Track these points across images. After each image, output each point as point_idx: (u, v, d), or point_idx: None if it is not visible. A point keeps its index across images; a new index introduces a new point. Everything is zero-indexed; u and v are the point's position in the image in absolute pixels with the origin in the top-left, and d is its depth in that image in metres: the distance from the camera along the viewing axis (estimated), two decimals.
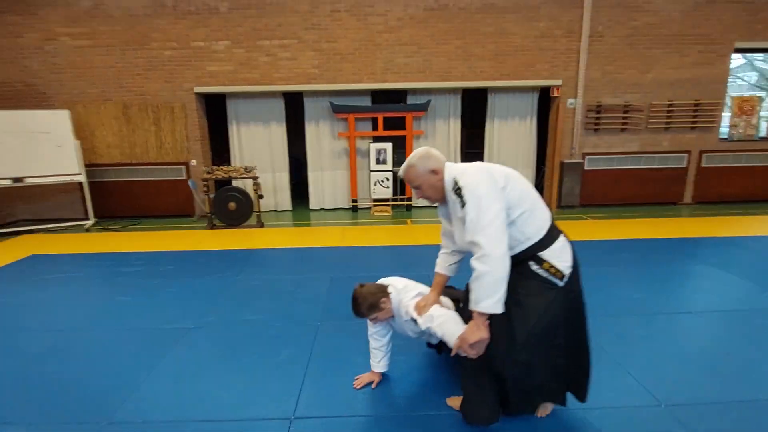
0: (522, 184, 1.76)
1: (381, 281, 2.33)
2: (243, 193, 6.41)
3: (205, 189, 6.38)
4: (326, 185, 7.72)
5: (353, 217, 7.22)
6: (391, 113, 7.19)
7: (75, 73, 6.87)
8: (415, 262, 4.62)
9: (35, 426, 2.15)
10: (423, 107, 7.16)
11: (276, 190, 7.70)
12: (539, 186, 8.34)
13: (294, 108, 7.89)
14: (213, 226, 6.48)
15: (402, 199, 7.61)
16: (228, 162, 7.64)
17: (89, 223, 6.82)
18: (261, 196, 6.48)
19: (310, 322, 3.24)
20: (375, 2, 6.67)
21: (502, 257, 1.61)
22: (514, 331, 1.75)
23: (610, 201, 7.58)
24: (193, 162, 7.17)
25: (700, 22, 6.87)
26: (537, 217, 1.75)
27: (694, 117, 7.25)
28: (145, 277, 4.32)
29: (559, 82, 7.10)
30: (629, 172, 7.46)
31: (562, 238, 1.82)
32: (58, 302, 3.76)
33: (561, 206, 7.49)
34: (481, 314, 1.67)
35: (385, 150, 7.30)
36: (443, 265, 2.21)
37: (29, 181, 6.42)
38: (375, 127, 7.38)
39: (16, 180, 6.32)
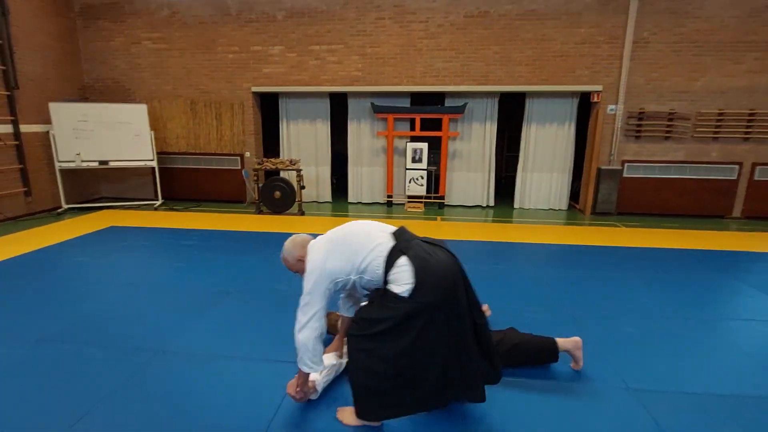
0: (347, 248, 2.02)
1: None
2: (288, 183, 7.06)
3: (255, 178, 7.11)
4: (364, 180, 8.22)
5: (387, 212, 7.65)
6: (428, 114, 7.54)
7: (153, 72, 7.89)
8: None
9: (107, 349, 2.79)
10: (459, 110, 7.44)
11: (318, 183, 8.32)
12: (575, 192, 8.32)
13: (338, 107, 8.46)
14: (260, 212, 7.19)
15: (435, 197, 7.94)
16: (277, 155, 8.37)
17: (158, 203, 7.81)
18: (303, 187, 7.10)
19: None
20: (417, 9, 7.06)
21: (304, 340, 1.96)
22: (374, 353, 1.89)
23: (649, 210, 7.41)
24: (247, 154, 7.96)
25: (757, 29, 6.56)
26: (373, 267, 1.92)
27: (748, 127, 6.92)
28: (198, 251, 5.03)
29: (599, 87, 7.09)
30: (672, 181, 7.26)
31: (401, 262, 1.87)
32: (128, 264, 4.54)
33: (596, 212, 7.45)
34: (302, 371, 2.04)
35: (421, 150, 7.66)
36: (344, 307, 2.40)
37: (112, 164, 7.49)
38: (412, 128, 7.75)
39: (102, 163, 7.41)
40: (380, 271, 1.89)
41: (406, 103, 7.76)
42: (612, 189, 7.33)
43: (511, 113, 10.89)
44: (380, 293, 1.94)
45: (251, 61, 7.61)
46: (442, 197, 7.88)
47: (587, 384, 2.42)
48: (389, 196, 8.01)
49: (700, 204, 7.30)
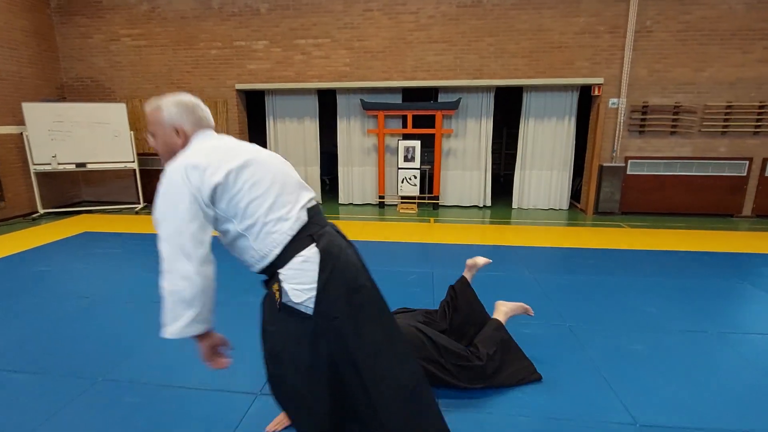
0: (260, 177, 1.35)
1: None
2: None
3: None
4: (355, 181, 7.87)
5: (380, 213, 7.30)
6: (420, 111, 7.18)
7: (133, 70, 7.56)
8: (432, 260, 4.64)
9: (38, 375, 2.44)
10: (453, 106, 7.08)
11: (307, 183, 7.95)
12: (576, 190, 7.94)
13: (327, 105, 8.11)
14: None
15: (429, 198, 7.57)
16: None
17: (139, 206, 7.47)
18: None
19: None
20: (407, 0, 6.70)
21: (190, 274, 1.27)
22: (267, 367, 1.46)
23: (655, 209, 7.04)
24: None
25: (767, 16, 6.18)
26: (275, 229, 1.34)
27: (758, 120, 6.54)
28: None
29: (600, 80, 6.71)
30: (678, 178, 6.88)
31: (308, 251, 1.36)
32: (91, 274, 4.19)
33: (598, 212, 7.07)
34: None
35: (413, 148, 7.31)
36: None
37: (90, 167, 7.16)
38: (404, 125, 7.40)
39: (79, 165, 7.08)
40: (266, 252, 1.35)
41: (397, 99, 7.41)
42: (615, 187, 6.95)
43: (508, 108, 10.53)
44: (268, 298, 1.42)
45: (235, 57, 7.27)
46: (437, 197, 7.52)
47: (588, 419, 2.06)
48: (381, 197, 7.65)
49: (708, 202, 6.92)
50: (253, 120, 8.48)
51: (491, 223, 6.63)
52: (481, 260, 2.82)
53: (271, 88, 7.34)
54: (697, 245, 5.19)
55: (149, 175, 7.81)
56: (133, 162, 7.30)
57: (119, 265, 4.51)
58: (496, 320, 2.48)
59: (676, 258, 4.71)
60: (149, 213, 7.23)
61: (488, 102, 7.27)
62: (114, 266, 4.45)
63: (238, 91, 7.44)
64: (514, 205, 7.63)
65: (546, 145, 7.33)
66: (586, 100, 7.26)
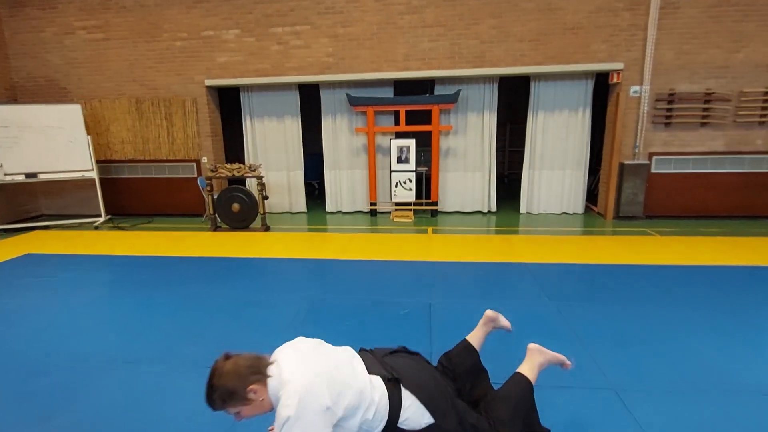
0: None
1: (275, 355, 1.50)
2: (248, 194, 5.88)
3: (208, 188, 5.93)
4: (343, 186, 7.03)
5: (371, 223, 6.46)
6: (414, 106, 6.33)
7: (91, 67, 6.73)
8: (430, 285, 3.79)
9: None
10: (452, 98, 6.23)
11: (291, 191, 7.13)
12: (592, 192, 7.09)
13: (310, 101, 7.27)
14: (216, 228, 6.02)
15: (427, 204, 6.73)
16: (243, 160, 7.19)
17: (100, 220, 6.65)
18: (266, 198, 5.91)
19: None
20: None
21: None
22: None
23: (683, 212, 6.18)
24: (204, 159, 6.78)
25: None
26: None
27: None
28: (118, 289, 3.91)
29: (620, 65, 5.85)
30: (710, 177, 6.02)
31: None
32: (21, 311, 3.36)
33: (620, 217, 6.22)
34: None
35: (407, 147, 6.46)
36: None
37: (43, 177, 6.34)
38: (397, 122, 6.56)
39: (30, 176, 6.25)
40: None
41: (388, 93, 6.56)
42: (638, 188, 6.09)
43: (513, 101, 9.65)
44: None
45: (203, 49, 6.43)
46: (435, 203, 6.68)
47: None
48: (373, 204, 6.81)
49: (744, 203, 6.06)
50: (228, 120, 7.64)
51: (497, 232, 5.79)
52: (503, 321, 2.05)
53: (245, 83, 6.49)
54: (744, 257, 4.34)
55: (112, 185, 6.99)
56: (92, 170, 6.47)
57: (49, 300, 3.67)
58: (525, 378, 1.71)
59: (725, 276, 3.86)
60: (113, 227, 6.40)
61: (491, 93, 6.42)
62: (41, 301, 3.62)
63: (209, 87, 6.60)
64: (523, 210, 6.78)
65: (557, 142, 6.48)
66: (604, 88, 6.41)
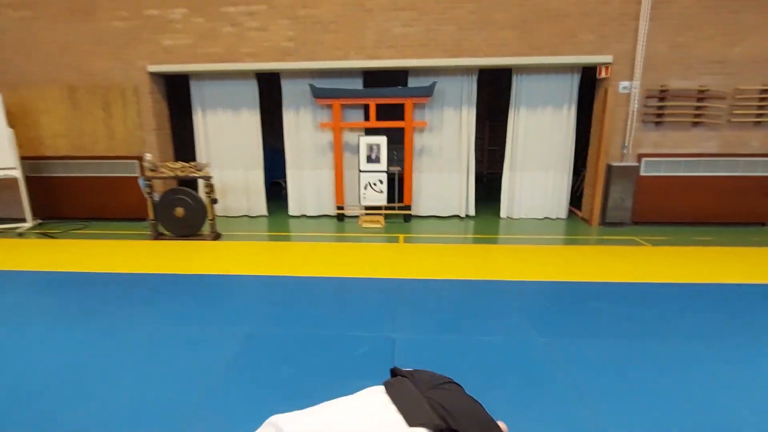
0: None
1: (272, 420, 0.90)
2: (193, 196, 5.14)
3: (149, 190, 5.17)
4: (308, 188, 6.35)
5: (338, 229, 5.81)
6: (386, 99, 5.70)
7: (17, 49, 5.83)
8: (396, 311, 3.16)
9: None
10: (427, 91, 5.62)
11: (249, 192, 6.41)
12: (577, 196, 6.62)
13: (271, 91, 6.55)
14: (158, 236, 5.27)
15: (400, 207, 6.12)
16: (194, 157, 6.42)
17: (27, 225, 5.80)
18: (215, 201, 5.19)
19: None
20: None
21: None
22: None
23: (674, 219, 5.75)
24: (148, 156, 5.97)
25: None
26: None
27: None
28: (12, 315, 3.13)
29: (609, 58, 5.35)
30: (702, 180, 5.60)
31: None
32: None
33: (606, 223, 5.74)
34: None
35: (378, 146, 5.83)
36: None
37: None
38: (366, 117, 5.92)
39: None
40: None
41: (356, 84, 5.90)
42: (626, 192, 5.63)
43: (493, 95, 9.14)
44: None
45: (146, 30, 5.63)
46: (408, 207, 6.07)
47: None
48: (340, 208, 6.16)
49: (738, 208, 5.67)
50: (180, 113, 6.85)
51: (476, 241, 5.22)
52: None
53: (194, 70, 5.73)
54: (748, 273, 3.89)
55: (44, 184, 6.14)
56: (15, 168, 5.61)
57: None
58: None
59: (730, 296, 3.39)
60: (40, 234, 5.57)
61: (470, 86, 5.84)
62: None
63: (153, 74, 5.80)
64: (503, 215, 6.24)
65: (540, 141, 5.96)
66: (591, 83, 5.91)
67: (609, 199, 5.66)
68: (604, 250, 4.73)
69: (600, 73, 5.56)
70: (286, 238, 5.37)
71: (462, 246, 4.91)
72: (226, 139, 6.25)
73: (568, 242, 5.13)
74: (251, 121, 6.17)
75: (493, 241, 5.16)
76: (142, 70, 5.74)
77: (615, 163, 5.60)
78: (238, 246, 4.96)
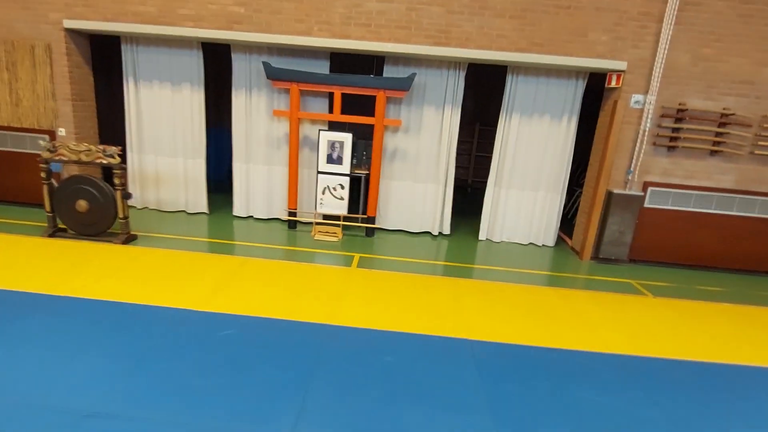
0: None
1: None
2: (100, 188, 4.12)
3: (45, 177, 4.13)
4: (257, 185, 5.37)
5: (285, 239, 4.87)
6: (354, 89, 4.73)
7: None
8: (307, 384, 2.24)
9: None
10: (404, 84, 4.68)
11: (187, 184, 5.40)
12: (568, 218, 5.81)
13: (220, 66, 5.52)
14: (55, 232, 4.25)
15: (363, 219, 5.19)
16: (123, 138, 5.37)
17: None
18: (127, 196, 4.18)
19: None
20: None
21: None
22: None
23: (677, 260, 4.97)
24: (62, 131, 4.93)
25: None
26: None
27: None
28: None
29: (622, 65, 4.49)
30: (713, 218, 4.82)
31: None
32: None
33: (598, 258, 4.92)
34: None
35: (341, 143, 4.88)
36: None
37: None
38: (331, 108, 4.96)
39: None
40: None
41: (322, 68, 4.92)
42: (626, 224, 4.81)
43: (484, 96, 8.22)
44: None
45: None
46: (372, 219, 5.15)
47: None
48: (292, 213, 5.20)
49: (752, 255, 4.91)
50: (109, 83, 5.75)
51: (445, 270, 4.33)
52: None
53: (120, 30, 4.65)
54: None
55: None
56: None
57: None
58: None
59: (759, 383, 2.58)
60: None
61: (456, 83, 4.91)
62: None
63: (71, 31, 4.72)
64: (482, 236, 5.38)
65: (533, 154, 5.09)
66: (596, 93, 5.05)
67: (605, 232, 4.84)
68: (595, 298, 3.90)
69: (610, 82, 4.70)
70: (217, 248, 4.40)
71: (425, 278, 4.02)
72: (163, 120, 5.22)
73: (553, 282, 4.29)
74: (194, 100, 5.13)
75: (466, 273, 4.28)
76: (56, 24, 4.64)
77: (617, 191, 4.76)
78: (148, 255, 3.98)
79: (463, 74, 4.89)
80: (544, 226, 5.29)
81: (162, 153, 5.31)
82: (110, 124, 5.75)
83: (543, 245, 5.36)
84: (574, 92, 4.90)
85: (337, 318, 3.04)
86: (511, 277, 4.24)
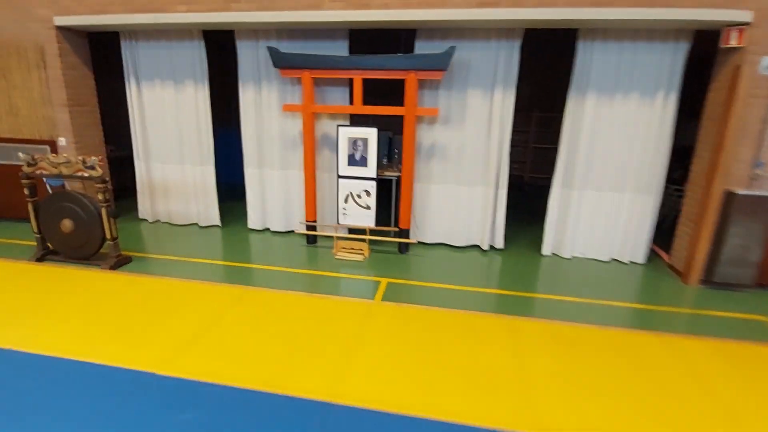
0: None
1: None
2: (84, 205, 3.54)
3: (28, 192, 3.63)
4: (272, 193, 4.63)
5: (302, 257, 4.08)
6: (378, 72, 3.81)
7: None
8: None
9: None
10: (441, 61, 3.67)
11: (197, 194, 4.78)
12: (661, 227, 4.53)
13: (227, 61, 4.81)
14: (45, 255, 3.76)
15: (395, 232, 4.27)
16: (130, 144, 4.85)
17: None
18: (115, 215, 3.57)
19: None
20: None
21: None
22: None
23: None
24: (62, 141, 4.48)
25: None
26: None
27: None
28: None
29: (745, 15, 3.18)
30: None
31: None
32: None
33: (711, 282, 3.63)
34: None
35: (364, 141, 3.98)
36: None
37: None
38: (351, 99, 4.08)
39: None
40: None
41: (340, 49, 4.04)
42: (752, 237, 3.49)
43: (545, 73, 6.89)
44: None
45: None
46: (406, 232, 4.20)
47: None
48: (311, 225, 4.39)
49: None
50: (114, 86, 5.23)
51: (499, 304, 3.30)
52: None
53: (108, 23, 4.05)
54: None
55: None
56: None
57: None
58: None
59: None
60: None
61: (509, 57, 3.83)
62: None
63: (63, 29, 4.22)
64: (546, 251, 4.25)
65: (616, 145, 3.88)
66: (704, 59, 3.74)
67: (723, 247, 3.54)
68: (721, 351, 2.69)
69: (727, 41, 3.39)
70: (217, 273, 3.69)
71: (472, 317, 3.02)
72: (168, 123, 4.62)
73: (651, 320, 3.10)
74: (199, 99, 4.48)
75: (526, 306, 3.22)
76: (46, 22, 4.15)
77: (740, 191, 3.45)
78: (132, 286, 3.33)
79: (517, 45, 3.79)
80: (631, 237, 4.06)
81: (169, 160, 4.72)
82: (122, 130, 5.26)
83: (630, 262, 4.13)
84: (672, 59, 3.63)
85: (344, 392, 2.15)
86: (591, 312, 3.13)
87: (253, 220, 4.75)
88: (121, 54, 4.52)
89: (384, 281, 3.56)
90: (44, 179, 4.30)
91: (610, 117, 3.83)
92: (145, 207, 4.96)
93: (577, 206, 4.09)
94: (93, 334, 2.60)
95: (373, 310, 3.03)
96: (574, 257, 4.23)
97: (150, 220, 4.99)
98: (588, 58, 3.74)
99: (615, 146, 3.88)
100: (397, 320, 2.89)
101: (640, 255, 4.10)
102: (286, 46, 4.07)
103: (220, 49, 5.45)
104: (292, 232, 4.71)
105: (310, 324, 2.81)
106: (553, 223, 4.18)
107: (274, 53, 3.89)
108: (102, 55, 4.99)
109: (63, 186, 4.42)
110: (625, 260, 4.12)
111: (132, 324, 2.74)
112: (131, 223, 4.93)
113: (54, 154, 3.55)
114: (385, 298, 3.25)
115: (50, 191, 4.39)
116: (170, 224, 4.94)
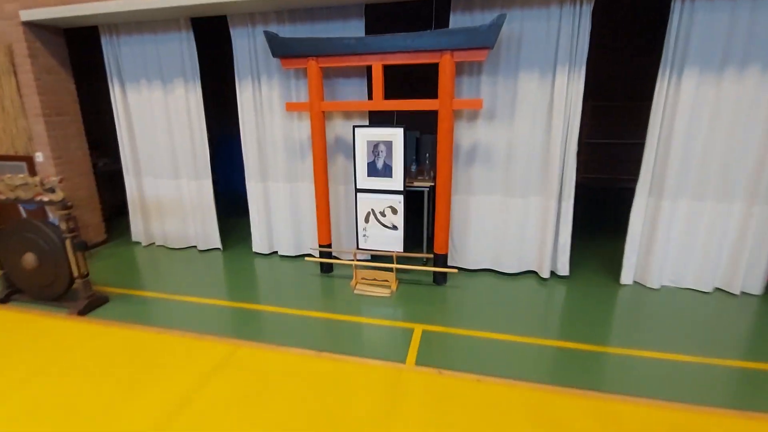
0: None
1: None
2: (47, 236, 2.89)
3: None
4: (279, 210, 3.87)
5: (314, 293, 3.30)
6: (403, 55, 2.96)
7: None
8: None
9: None
10: (485, 36, 2.79)
11: (194, 213, 4.09)
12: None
13: (225, 51, 4.08)
14: (10, 294, 3.14)
15: (428, 258, 3.41)
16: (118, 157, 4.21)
17: None
18: (82, 246, 2.89)
19: None
20: None
21: None
22: None
23: None
24: (39, 156, 3.88)
25: None
26: None
27: None
28: None
29: None
30: None
31: None
32: None
33: None
34: None
35: (388, 145, 3.15)
36: None
37: None
38: (369, 93, 3.27)
39: None
40: None
41: (355, 30, 3.23)
42: None
43: (599, 52, 5.82)
44: None
45: None
46: (444, 257, 3.33)
47: None
48: (325, 252, 3.59)
49: None
50: (93, 88, 4.63)
51: (578, 362, 2.38)
52: None
53: (80, 14, 3.40)
54: None
55: None
56: None
57: None
58: None
59: None
60: None
61: (575, 26, 2.90)
62: None
63: (32, 25, 3.61)
64: (626, 279, 3.28)
65: (723, 140, 2.88)
66: None
67: None
68: None
69: None
70: (206, 318, 2.95)
71: (543, 394, 2.13)
72: (158, 130, 3.95)
73: None
74: (191, 100, 3.78)
75: (602, 366, 2.30)
76: (12, 19, 3.55)
77: None
78: (96, 341, 2.62)
79: (588, 11, 2.85)
80: (744, 262, 3.04)
81: (161, 174, 4.06)
82: (117, 141, 4.64)
83: (742, 293, 3.11)
84: None
85: None
86: (690, 376, 2.17)
87: (259, 243, 4.01)
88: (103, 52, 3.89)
89: (418, 329, 2.72)
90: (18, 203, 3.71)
91: (717, 101, 2.84)
92: (138, 228, 4.33)
93: (669, 220, 3.10)
94: (34, 412, 1.90)
95: (402, 380, 2.20)
96: (663, 287, 3.24)
97: (144, 244, 4.35)
98: (685, 22, 2.76)
99: (722, 140, 2.88)
100: (437, 398, 2.05)
101: (756, 284, 3.07)
102: (289, 31, 3.30)
103: (217, 46, 4.76)
104: (303, 255, 3.94)
105: (314, 403, 2.01)
106: (635, 242, 3.21)
107: (272, 39, 3.12)
108: (88, 56, 4.40)
109: (43, 209, 3.83)
110: (735, 291, 3.10)
111: (76, 409, 2.02)
112: (123, 247, 4.31)
113: (10, 175, 2.91)
114: (419, 357, 2.41)
115: (24, 215, 3.81)
116: (166, 248, 4.28)
